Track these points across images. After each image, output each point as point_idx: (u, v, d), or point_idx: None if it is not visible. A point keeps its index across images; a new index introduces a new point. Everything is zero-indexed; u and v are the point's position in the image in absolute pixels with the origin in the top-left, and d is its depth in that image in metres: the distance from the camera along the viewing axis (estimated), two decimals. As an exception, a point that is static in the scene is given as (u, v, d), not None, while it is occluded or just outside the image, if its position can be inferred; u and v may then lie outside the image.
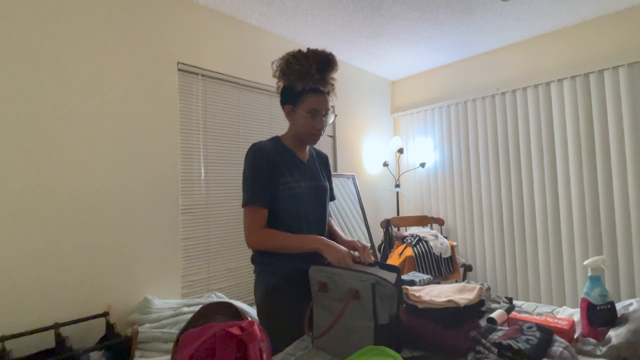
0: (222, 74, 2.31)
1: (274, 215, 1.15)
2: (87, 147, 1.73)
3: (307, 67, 1.09)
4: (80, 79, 1.73)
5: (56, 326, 1.50)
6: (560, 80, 2.76)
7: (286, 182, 1.14)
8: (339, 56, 3.09)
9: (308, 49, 1.13)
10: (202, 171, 2.20)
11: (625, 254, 2.47)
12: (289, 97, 1.16)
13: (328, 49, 1.13)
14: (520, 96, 2.97)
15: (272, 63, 1.16)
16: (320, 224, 1.21)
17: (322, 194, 1.24)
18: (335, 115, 1.24)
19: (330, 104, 1.18)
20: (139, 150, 1.91)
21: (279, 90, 1.20)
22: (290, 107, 1.16)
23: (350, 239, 1.19)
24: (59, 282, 1.62)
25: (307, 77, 1.09)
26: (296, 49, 1.15)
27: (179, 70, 2.11)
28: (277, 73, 1.15)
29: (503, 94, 3.06)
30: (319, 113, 1.14)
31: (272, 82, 2.70)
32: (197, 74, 2.20)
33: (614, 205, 2.53)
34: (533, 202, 2.89)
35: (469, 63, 3.29)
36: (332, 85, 1.16)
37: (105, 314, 1.65)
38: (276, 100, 2.62)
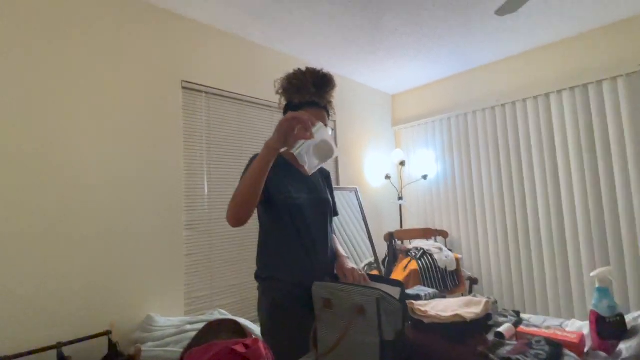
0: (226, 91, 2.35)
1: (277, 226, 1.15)
2: (91, 163, 1.75)
3: (303, 82, 1.15)
4: (85, 97, 1.76)
5: (58, 345, 1.48)
6: (559, 92, 2.78)
7: (287, 192, 1.15)
8: (340, 71, 3.14)
9: (306, 67, 1.18)
10: (206, 187, 2.21)
11: (632, 264, 2.43)
12: (288, 112, 1.19)
13: (328, 65, 1.18)
14: (520, 108, 2.99)
15: (275, 81, 1.21)
16: (322, 236, 1.21)
17: (324, 206, 1.24)
18: (332, 130, 1.27)
19: (327, 121, 1.20)
20: (143, 166, 1.93)
21: (281, 108, 1.23)
22: None
23: (351, 266, 1.17)
24: (60, 300, 1.61)
25: (303, 91, 1.15)
26: (297, 65, 1.19)
27: (183, 88, 2.15)
28: (280, 90, 1.20)
29: (503, 105, 3.09)
30: None
31: (275, 98, 2.77)
32: (200, 91, 2.24)
33: (619, 215, 2.51)
34: (537, 213, 2.87)
35: (468, 76, 3.32)
36: (330, 102, 1.21)
37: (107, 333, 1.63)
38: (278, 116, 2.65)
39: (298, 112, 0.92)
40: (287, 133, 0.92)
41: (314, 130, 0.91)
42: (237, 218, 1.02)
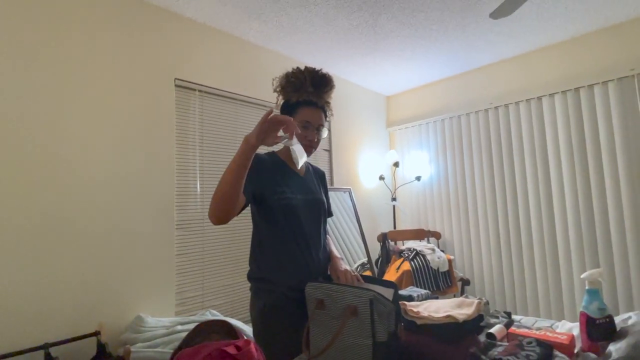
0: (219, 89, 2.33)
1: (270, 227, 1.15)
2: (82, 162, 1.73)
3: (302, 80, 1.14)
4: (77, 95, 1.74)
5: (46, 346, 1.46)
6: (551, 95, 2.82)
7: (282, 192, 1.14)
8: (335, 72, 3.14)
9: (305, 66, 1.18)
10: (198, 186, 2.20)
11: (622, 266, 2.47)
12: (285, 111, 1.20)
13: (324, 65, 1.18)
14: (513, 110, 3.02)
15: (273, 79, 1.20)
16: (316, 236, 1.20)
17: (319, 207, 1.24)
18: (328, 130, 1.27)
19: (324, 121, 1.20)
20: (135, 165, 1.91)
21: (278, 107, 1.22)
22: None
23: (344, 268, 1.16)
24: (48, 300, 1.58)
25: (301, 90, 1.14)
26: (291, 65, 1.19)
27: (176, 86, 2.12)
28: (278, 88, 1.19)
29: (496, 108, 3.11)
30: (311, 125, 1.17)
31: (269, 97, 2.76)
32: (194, 89, 2.22)
33: (608, 217, 2.54)
34: (529, 215, 2.90)
35: (463, 78, 3.35)
36: (327, 102, 1.20)
37: (96, 334, 1.61)
38: (272, 115, 2.63)
39: (284, 116, 0.92)
40: (268, 133, 0.90)
41: (280, 134, 0.93)
42: (217, 216, 0.98)
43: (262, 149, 1.01)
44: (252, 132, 0.90)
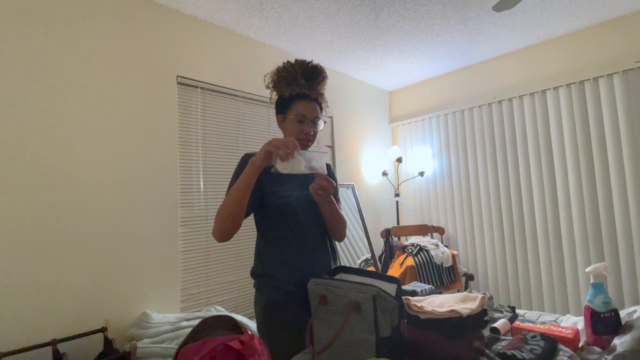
0: (221, 86, 2.33)
1: (270, 224, 1.15)
2: (86, 160, 1.74)
3: (293, 74, 1.14)
4: (79, 93, 1.74)
5: (54, 342, 1.48)
6: (555, 88, 2.79)
7: (277, 190, 1.15)
8: (337, 68, 3.13)
9: (295, 59, 1.17)
10: (202, 183, 2.20)
11: (627, 260, 2.45)
12: (279, 107, 1.20)
13: (326, 61, 1.17)
14: (517, 104, 2.99)
15: (265, 76, 1.20)
16: (316, 232, 1.20)
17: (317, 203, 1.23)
18: (324, 122, 1.26)
19: (320, 114, 1.19)
20: (138, 163, 1.91)
21: (273, 102, 1.22)
22: (281, 117, 1.19)
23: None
24: (56, 297, 1.60)
25: (293, 83, 1.14)
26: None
27: (178, 83, 2.13)
28: (270, 84, 1.19)
29: (500, 102, 3.09)
30: (307, 119, 1.16)
31: (271, 94, 2.72)
32: (196, 87, 2.22)
33: (613, 211, 2.52)
34: (533, 209, 2.89)
35: (466, 72, 3.32)
36: (321, 94, 1.19)
37: (103, 330, 1.63)
38: (274, 112, 2.63)
39: (289, 139, 0.96)
40: (272, 153, 0.96)
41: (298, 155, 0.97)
42: (222, 233, 1.05)
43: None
44: (257, 155, 0.98)
